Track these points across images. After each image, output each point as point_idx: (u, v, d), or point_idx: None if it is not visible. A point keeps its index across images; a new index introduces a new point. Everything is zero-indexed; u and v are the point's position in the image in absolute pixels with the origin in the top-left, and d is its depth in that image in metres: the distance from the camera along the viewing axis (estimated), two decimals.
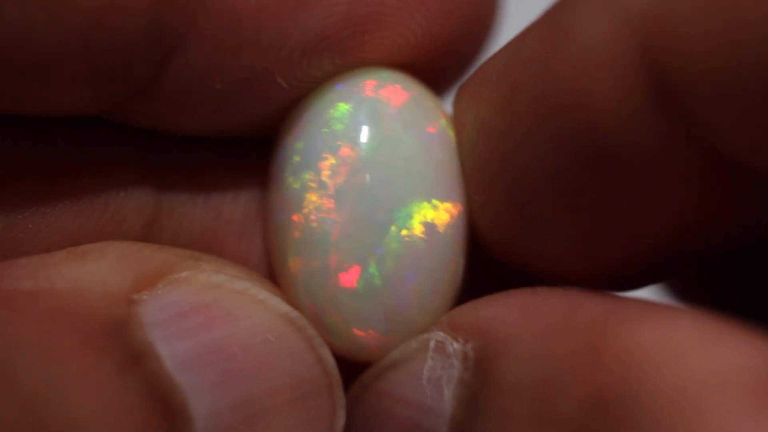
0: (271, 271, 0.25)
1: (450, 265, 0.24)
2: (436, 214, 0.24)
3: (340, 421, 0.23)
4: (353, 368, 0.24)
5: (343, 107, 0.24)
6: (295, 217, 0.23)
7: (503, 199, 0.23)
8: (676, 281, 0.29)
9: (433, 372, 0.22)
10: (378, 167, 0.23)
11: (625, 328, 0.20)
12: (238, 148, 0.26)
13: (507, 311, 0.22)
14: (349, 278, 0.23)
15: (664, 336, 0.19)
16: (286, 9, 0.22)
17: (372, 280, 0.23)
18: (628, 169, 0.21)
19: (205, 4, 0.22)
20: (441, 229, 0.24)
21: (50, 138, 0.24)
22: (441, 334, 0.23)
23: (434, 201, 0.24)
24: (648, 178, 0.21)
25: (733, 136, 0.19)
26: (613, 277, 0.23)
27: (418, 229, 0.23)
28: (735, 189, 0.20)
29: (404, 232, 0.23)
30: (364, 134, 0.23)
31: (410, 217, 0.23)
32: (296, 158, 0.24)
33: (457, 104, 0.24)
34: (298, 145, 0.24)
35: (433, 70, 0.25)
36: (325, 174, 0.23)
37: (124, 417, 0.20)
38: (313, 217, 0.23)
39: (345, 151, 0.23)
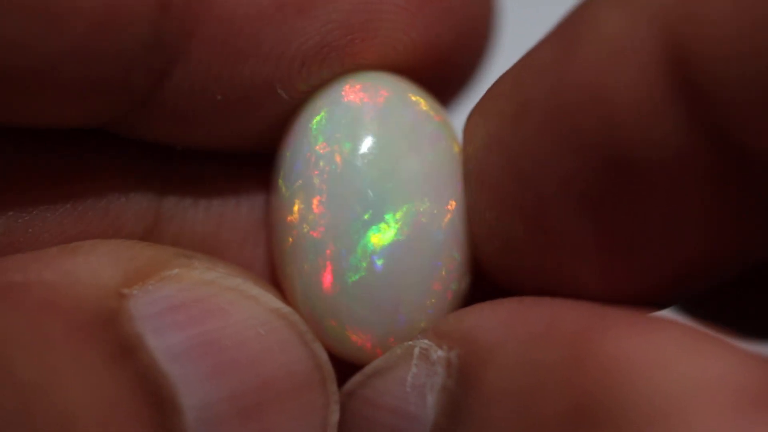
0: (276, 280, 0.25)
1: (442, 265, 0.24)
2: (426, 213, 0.23)
3: (334, 415, 0.23)
4: (351, 368, 0.24)
5: (323, 113, 0.24)
6: (288, 222, 0.23)
7: (516, 214, 0.22)
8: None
9: (417, 379, 0.22)
10: (363, 168, 0.23)
11: (609, 336, 0.19)
12: (240, 154, 0.26)
13: (492, 319, 0.22)
14: (339, 281, 0.23)
15: (647, 344, 0.19)
16: (285, 18, 0.23)
17: (363, 281, 0.23)
18: (649, 172, 0.20)
19: (204, 15, 0.22)
20: (432, 228, 0.23)
21: (51, 143, 0.24)
22: (426, 341, 0.23)
23: (423, 200, 0.23)
24: (671, 181, 0.20)
25: (760, 133, 0.19)
26: (629, 300, 0.22)
27: (407, 229, 0.23)
28: (763, 195, 0.20)
29: (393, 232, 0.23)
30: (348, 137, 0.23)
31: (399, 217, 0.23)
32: (286, 165, 0.24)
33: (468, 122, 0.24)
34: (287, 153, 0.24)
35: (434, 78, 0.25)
36: (313, 179, 0.23)
37: (114, 408, 0.20)
38: (302, 221, 0.23)
39: (330, 155, 0.23)
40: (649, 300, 0.22)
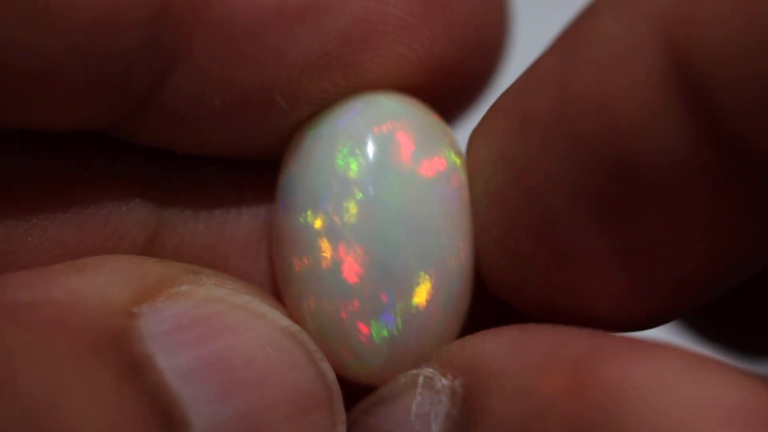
0: (276, 292, 0.25)
1: (461, 303, 0.24)
2: (451, 255, 0.23)
3: None
4: (357, 387, 0.24)
5: (356, 147, 0.23)
6: (305, 258, 0.23)
7: (522, 231, 0.22)
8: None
9: (422, 408, 0.22)
10: (393, 210, 0.23)
11: (610, 362, 0.20)
12: (242, 164, 0.25)
13: (495, 347, 0.22)
14: (368, 325, 0.23)
15: (647, 369, 0.19)
16: (285, 25, 0.22)
17: (391, 327, 0.23)
18: (654, 178, 0.20)
19: (203, 18, 0.22)
20: (454, 270, 0.23)
21: (52, 151, 0.24)
22: (430, 370, 0.23)
23: (448, 242, 0.23)
24: (677, 186, 0.20)
25: (763, 134, 0.19)
26: (637, 312, 0.22)
27: (436, 272, 0.23)
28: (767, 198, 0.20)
29: (423, 276, 0.23)
30: (380, 176, 0.23)
31: (429, 261, 0.23)
32: (306, 194, 0.23)
33: (471, 141, 0.24)
34: (307, 180, 0.23)
35: (439, 93, 0.25)
36: (339, 214, 0.23)
37: (122, 427, 0.20)
38: (326, 257, 0.23)
39: (359, 192, 0.23)
40: (656, 312, 0.22)
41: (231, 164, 0.25)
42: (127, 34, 0.21)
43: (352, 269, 0.23)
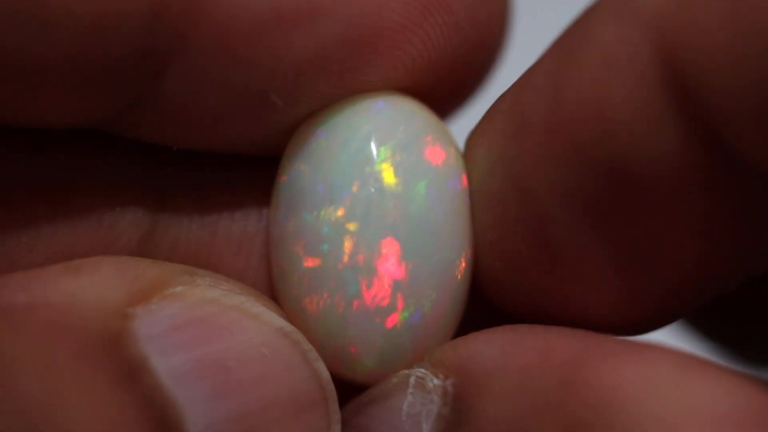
0: (270, 291, 0.25)
1: (462, 306, 0.24)
2: (460, 259, 0.24)
3: None
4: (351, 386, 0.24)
5: (382, 150, 0.23)
6: (313, 257, 0.23)
7: (519, 233, 0.22)
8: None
9: (413, 408, 0.22)
10: (410, 211, 0.23)
11: (601, 363, 0.20)
12: (236, 163, 0.25)
13: (487, 348, 0.22)
14: (383, 318, 0.23)
15: (638, 370, 0.19)
16: (282, 28, 0.22)
17: (403, 321, 0.23)
18: (648, 183, 0.20)
19: (199, 18, 0.22)
20: (462, 274, 0.24)
21: (45, 151, 0.24)
22: (422, 370, 0.23)
23: (459, 245, 0.24)
24: (670, 192, 0.20)
25: (755, 142, 0.19)
26: (633, 317, 0.22)
27: (446, 275, 0.23)
28: (761, 205, 0.20)
29: (434, 278, 0.23)
30: (406, 175, 0.23)
31: (443, 263, 0.23)
32: (319, 190, 0.23)
33: (468, 143, 0.24)
34: (320, 175, 0.23)
35: (435, 92, 0.25)
36: (355, 209, 0.23)
37: (118, 430, 0.20)
38: (340, 255, 0.23)
39: (377, 188, 0.23)
40: (650, 316, 0.23)
41: (224, 163, 0.25)
42: (124, 32, 0.21)
43: (368, 266, 0.23)
